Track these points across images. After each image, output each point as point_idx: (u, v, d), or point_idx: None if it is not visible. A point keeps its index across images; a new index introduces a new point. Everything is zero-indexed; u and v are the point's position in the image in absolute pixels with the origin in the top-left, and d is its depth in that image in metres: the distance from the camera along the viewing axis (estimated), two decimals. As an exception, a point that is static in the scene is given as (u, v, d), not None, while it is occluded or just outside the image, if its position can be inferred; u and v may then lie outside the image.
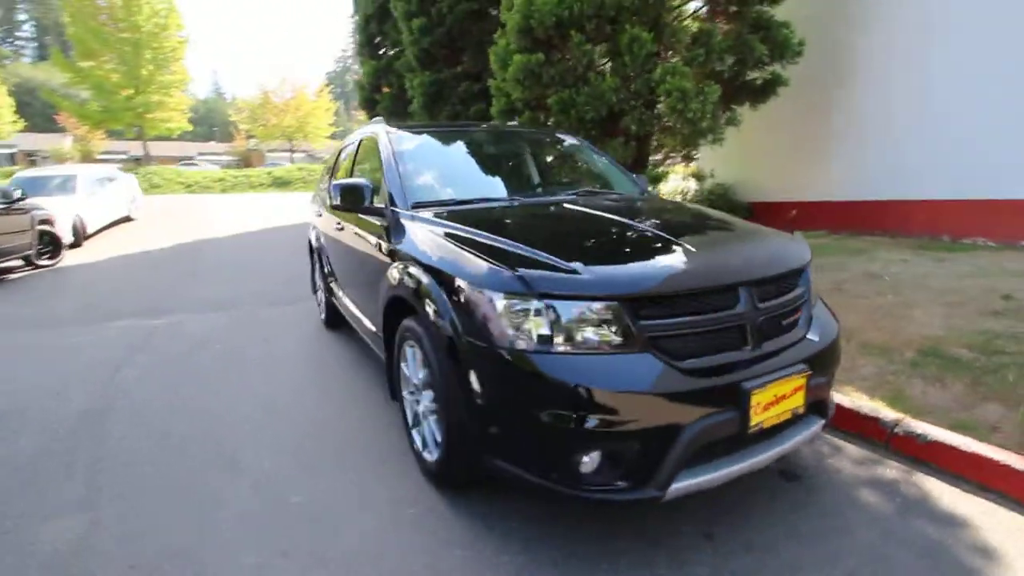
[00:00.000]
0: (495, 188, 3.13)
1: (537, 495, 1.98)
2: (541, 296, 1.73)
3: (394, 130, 3.23)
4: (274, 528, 2.10)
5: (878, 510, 2.12)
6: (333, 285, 4.13)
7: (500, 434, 1.82)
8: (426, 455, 2.32)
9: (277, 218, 14.11)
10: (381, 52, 13.67)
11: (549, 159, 3.60)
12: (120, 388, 3.57)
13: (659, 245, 2.08)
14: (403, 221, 2.51)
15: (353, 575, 1.84)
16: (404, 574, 1.83)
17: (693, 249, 1.99)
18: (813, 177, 7.77)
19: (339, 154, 4.40)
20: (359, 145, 3.62)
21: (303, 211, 18.34)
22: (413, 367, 2.34)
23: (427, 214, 2.51)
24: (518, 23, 6.36)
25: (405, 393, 2.48)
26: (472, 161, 3.36)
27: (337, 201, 2.72)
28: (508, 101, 7.09)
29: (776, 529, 2.00)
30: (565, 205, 2.73)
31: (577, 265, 1.81)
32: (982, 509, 2.10)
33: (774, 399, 1.82)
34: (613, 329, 1.72)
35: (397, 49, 12.57)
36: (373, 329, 2.89)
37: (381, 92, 13.62)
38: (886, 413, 2.59)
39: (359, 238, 3.06)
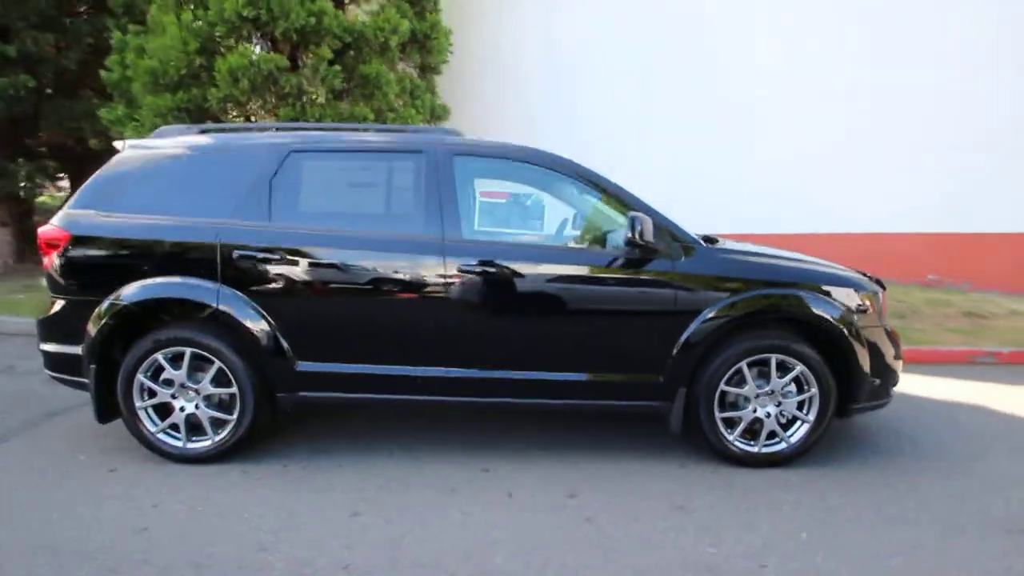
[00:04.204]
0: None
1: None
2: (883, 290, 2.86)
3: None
4: None
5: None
6: (324, 367, 2.61)
7: (877, 384, 2.66)
8: (773, 447, 2.62)
9: None
10: None
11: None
12: None
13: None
14: (717, 255, 2.67)
15: None
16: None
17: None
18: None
19: (276, 169, 2.62)
20: (450, 166, 2.66)
21: None
22: (752, 383, 2.57)
23: (717, 245, 2.81)
24: (240, 6, 4.97)
25: (723, 417, 2.61)
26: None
27: (648, 239, 2.43)
28: (200, 95, 5.27)
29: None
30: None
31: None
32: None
33: None
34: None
35: None
36: (621, 379, 2.62)
37: None
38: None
39: (583, 289, 2.62)
